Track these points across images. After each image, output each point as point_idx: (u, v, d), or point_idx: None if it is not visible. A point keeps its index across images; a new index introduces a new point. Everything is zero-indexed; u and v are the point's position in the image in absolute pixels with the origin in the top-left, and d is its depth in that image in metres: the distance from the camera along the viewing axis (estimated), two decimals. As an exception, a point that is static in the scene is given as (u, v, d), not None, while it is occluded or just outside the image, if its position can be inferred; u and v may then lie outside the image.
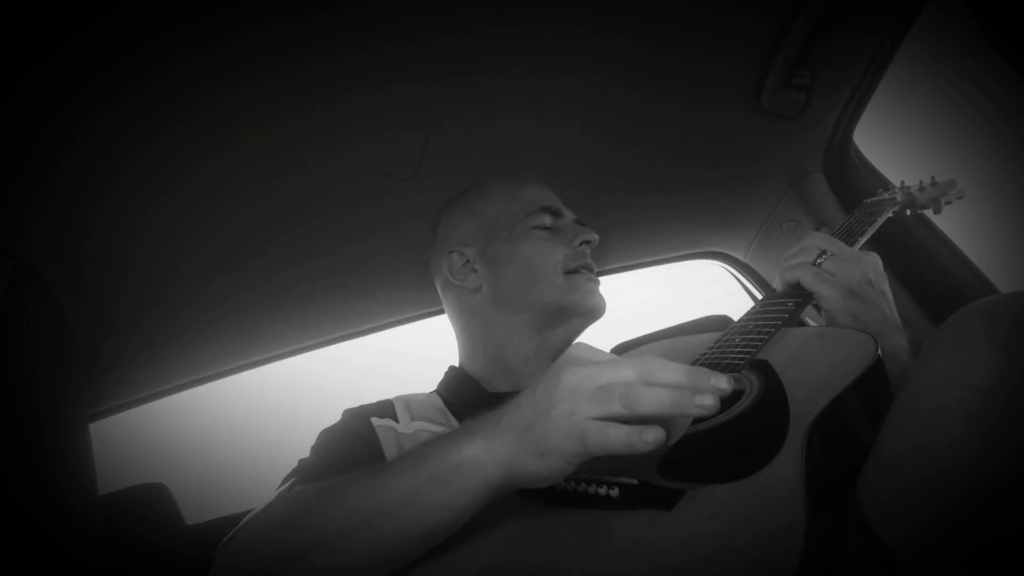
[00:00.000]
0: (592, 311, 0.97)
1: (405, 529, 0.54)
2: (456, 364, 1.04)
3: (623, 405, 0.49)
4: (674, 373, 0.50)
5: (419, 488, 0.54)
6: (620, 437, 0.49)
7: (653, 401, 0.49)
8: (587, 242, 0.99)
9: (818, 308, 0.85)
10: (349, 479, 0.60)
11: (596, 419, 0.49)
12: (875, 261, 0.81)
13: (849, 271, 0.79)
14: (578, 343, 0.57)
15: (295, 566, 0.56)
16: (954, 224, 1.12)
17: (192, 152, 0.92)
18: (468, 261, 1.00)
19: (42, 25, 0.70)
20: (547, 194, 1.04)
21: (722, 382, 0.49)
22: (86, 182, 0.88)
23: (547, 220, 0.99)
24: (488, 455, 0.53)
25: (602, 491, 0.53)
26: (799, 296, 0.80)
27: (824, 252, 0.81)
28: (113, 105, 0.82)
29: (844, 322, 0.78)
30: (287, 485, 0.73)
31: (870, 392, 0.58)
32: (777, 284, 0.84)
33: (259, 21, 0.80)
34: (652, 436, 0.48)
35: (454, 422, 0.89)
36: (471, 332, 1.01)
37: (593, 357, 0.53)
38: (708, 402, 0.48)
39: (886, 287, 0.81)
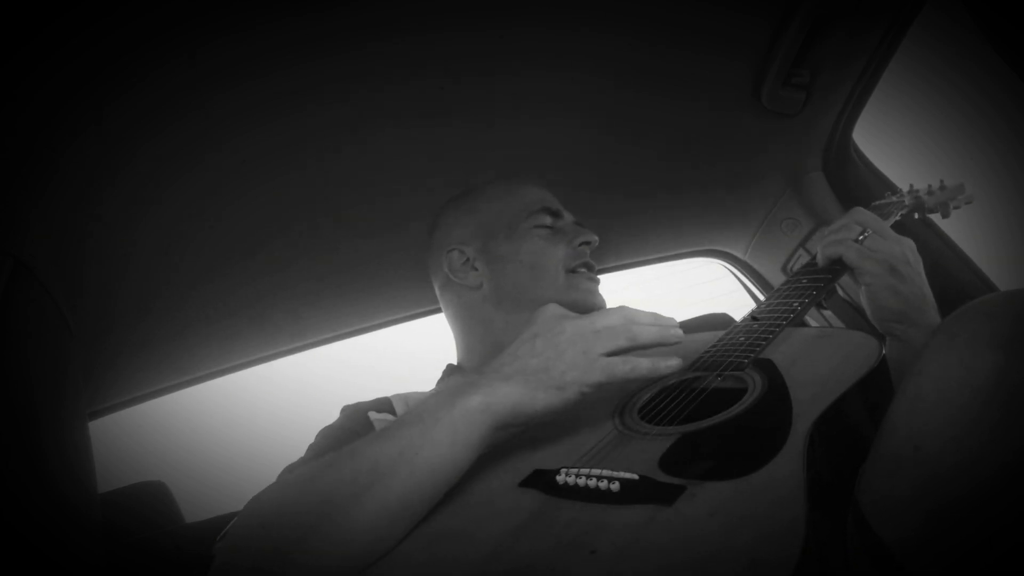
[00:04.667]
0: (591, 310, 0.96)
1: (415, 474, 0.56)
2: (454, 362, 1.04)
3: (627, 339, 0.62)
4: (645, 315, 0.65)
5: (427, 434, 0.58)
6: (645, 363, 0.62)
7: (647, 334, 0.63)
8: (587, 243, 0.99)
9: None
10: (354, 445, 0.61)
11: (607, 354, 0.61)
12: (912, 244, 0.84)
13: (891, 248, 0.82)
14: (550, 303, 0.69)
15: (307, 539, 0.54)
16: (953, 222, 1.12)
17: (192, 151, 0.92)
18: (468, 259, 1.00)
19: (42, 25, 0.70)
20: (546, 195, 1.04)
21: (669, 319, 0.65)
22: (85, 181, 0.88)
23: (547, 220, 1.00)
24: (494, 398, 0.60)
25: (603, 485, 0.53)
26: (826, 275, 0.82)
27: (866, 230, 0.83)
28: (113, 105, 0.82)
29: (884, 297, 0.81)
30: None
31: (873, 393, 0.58)
32: (818, 259, 0.86)
33: (260, 21, 0.80)
34: (675, 361, 0.63)
35: None
36: (470, 329, 1.02)
37: (570, 313, 0.67)
38: (679, 332, 0.65)
39: (921, 269, 0.84)
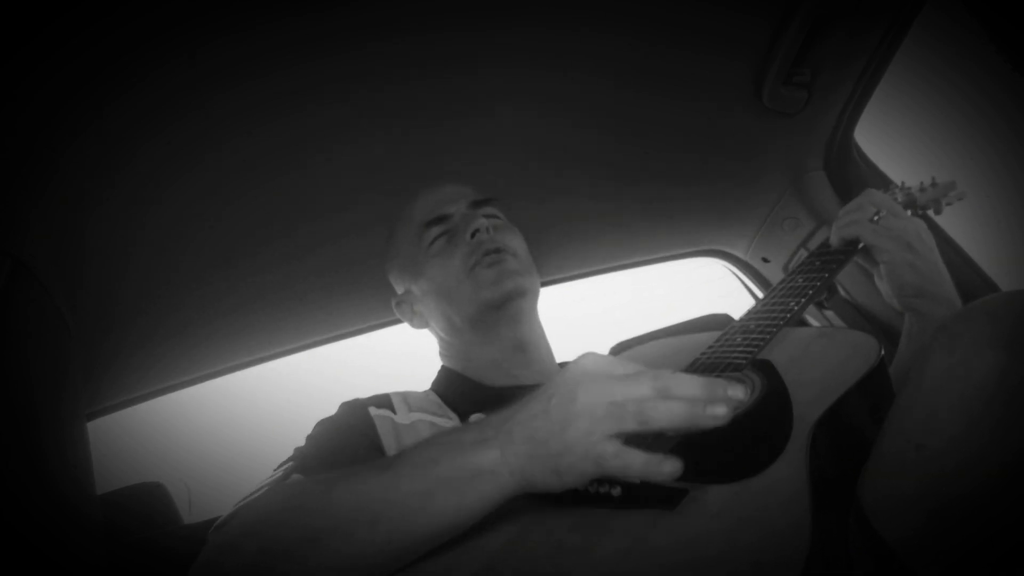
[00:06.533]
0: (507, 296, 0.92)
1: (414, 531, 0.54)
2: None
3: (637, 422, 0.48)
4: (691, 387, 0.49)
5: (431, 493, 0.53)
6: (638, 464, 0.48)
7: (666, 415, 0.48)
8: (476, 231, 0.94)
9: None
10: (355, 473, 0.59)
11: (612, 436, 0.49)
12: (923, 223, 0.88)
13: (905, 225, 0.85)
14: (587, 353, 0.55)
15: (292, 558, 0.55)
16: (955, 222, 1.12)
17: (192, 151, 0.92)
18: (410, 305, 1.03)
19: (42, 25, 0.70)
20: (428, 201, 1.00)
21: (739, 392, 0.49)
22: (85, 181, 0.88)
23: (436, 231, 0.97)
24: (503, 467, 0.52)
25: (603, 489, 0.53)
26: (839, 257, 0.85)
27: (879, 210, 0.86)
28: (113, 105, 0.82)
29: (903, 272, 0.84)
30: (283, 470, 0.72)
31: (873, 393, 0.58)
32: (832, 240, 0.89)
33: (260, 21, 0.80)
34: (669, 468, 0.47)
35: (452, 415, 0.89)
36: (443, 351, 1.04)
37: (606, 369, 0.52)
38: (720, 411, 0.48)
39: (934, 246, 0.87)
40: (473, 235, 0.93)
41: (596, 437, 0.49)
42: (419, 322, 1.03)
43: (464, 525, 0.54)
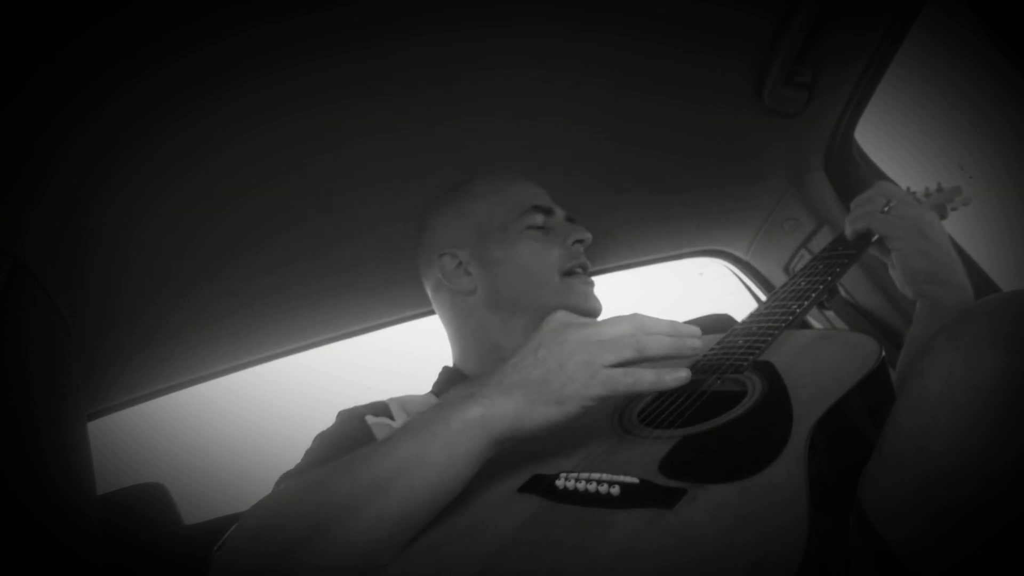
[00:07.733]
0: (588, 313, 0.95)
1: (413, 490, 0.55)
2: (450, 364, 1.03)
3: (635, 350, 0.58)
4: (660, 324, 0.60)
5: (425, 450, 0.56)
6: (649, 376, 0.58)
7: (657, 345, 0.59)
8: (580, 241, 0.98)
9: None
10: (352, 456, 0.60)
11: (613, 366, 0.57)
12: (935, 214, 0.90)
13: (918, 213, 0.87)
14: (560, 311, 0.64)
15: (303, 548, 0.54)
16: (955, 222, 1.11)
17: (192, 152, 0.92)
18: (461, 263, 0.98)
19: (42, 25, 0.70)
20: (537, 191, 1.02)
21: (691, 329, 0.61)
22: (85, 181, 0.88)
23: (539, 219, 0.98)
24: (493, 411, 0.57)
25: (602, 489, 0.53)
26: (850, 252, 0.86)
27: (890, 201, 0.87)
28: (113, 105, 0.82)
29: (915, 260, 0.85)
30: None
31: (874, 394, 0.58)
32: (847, 232, 0.90)
33: (258, 21, 0.80)
34: (683, 373, 0.59)
35: None
36: (465, 333, 1.01)
37: (581, 319, 0.62)
38: (697, 343, 0.61)
39: (946, 236, 0.88)
40: (573, 244, 0.98)
41: (596, 366, 0.57)
42: (466, 283, 0.97)
43: (460, 476, 0.57)
